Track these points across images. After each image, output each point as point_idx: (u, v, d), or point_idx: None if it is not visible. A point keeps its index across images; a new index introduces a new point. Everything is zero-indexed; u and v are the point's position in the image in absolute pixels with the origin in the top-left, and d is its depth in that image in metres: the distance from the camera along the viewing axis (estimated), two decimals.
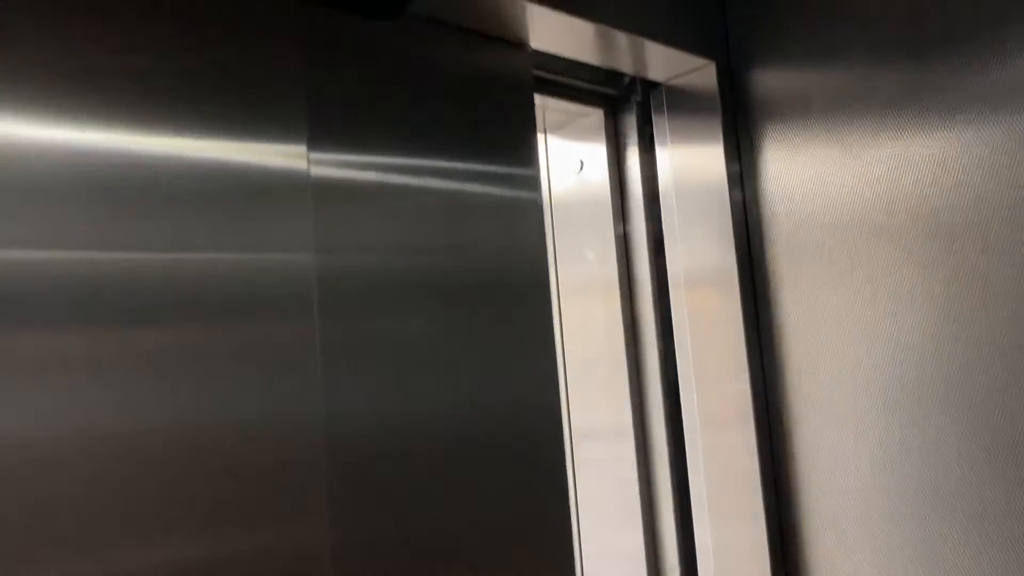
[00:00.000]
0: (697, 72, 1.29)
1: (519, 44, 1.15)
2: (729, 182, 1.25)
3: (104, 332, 0.72)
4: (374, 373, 0.92)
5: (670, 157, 1.32)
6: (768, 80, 1.25)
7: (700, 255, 1.29)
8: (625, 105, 1.34)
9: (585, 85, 1.30)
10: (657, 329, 1.31)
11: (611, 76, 1.30)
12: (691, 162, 1.30)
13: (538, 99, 1.21)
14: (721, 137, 1.26)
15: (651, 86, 1.34)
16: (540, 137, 1.33)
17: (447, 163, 1.04)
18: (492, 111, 1.10)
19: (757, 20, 1.27)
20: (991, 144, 1.02)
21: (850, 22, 1.15)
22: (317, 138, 0.90)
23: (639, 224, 1.33)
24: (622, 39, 1.17)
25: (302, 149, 0.86)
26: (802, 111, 1.21)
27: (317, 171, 0.90)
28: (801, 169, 1.21)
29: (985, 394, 1.02)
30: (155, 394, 0.74)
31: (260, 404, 0.80)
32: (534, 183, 1.12)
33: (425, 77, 1.04)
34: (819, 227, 1.18)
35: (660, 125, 1.34)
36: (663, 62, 1.27)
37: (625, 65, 1.27)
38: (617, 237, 1.33)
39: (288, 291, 0.84)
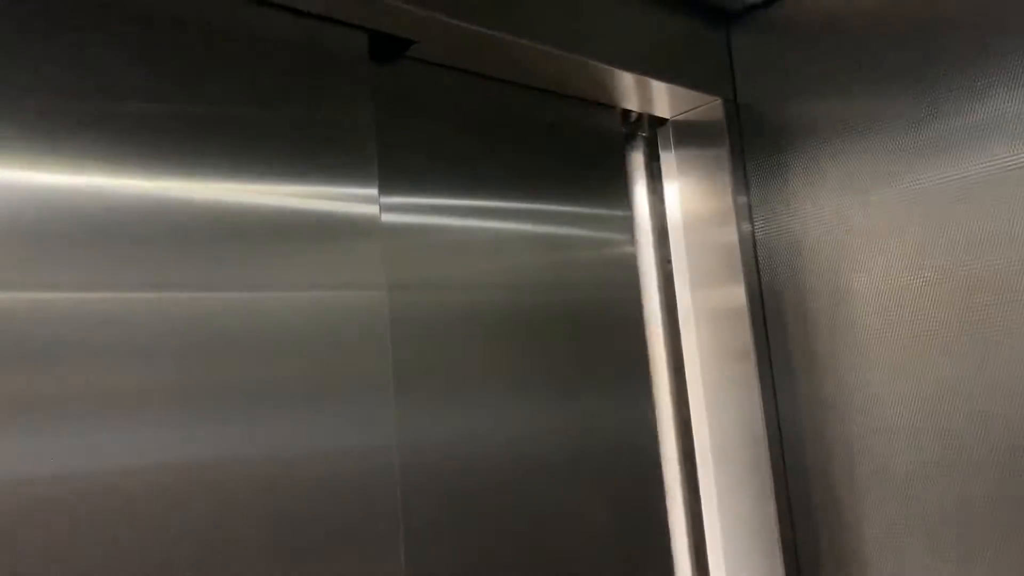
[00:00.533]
0: (704, 108, 1.30)
1: (611, 106, 1.25)
2: (737, 215, 1.26)
3: (189, 367, 0.76)
4: (452, 406, 0.98)
5: (678, 191, 1.33)
6: (774, 113, 1.25)
7: (709, 287, 1.28)
8: (632, 142, 1.35)
9: None
10: (668, 363, 1.30)
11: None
12: (699, 196, 1.30)
13: None
14: (729, 170, 1.27)
15: (658, 122, 1.35)
16: None
17: (537, 205, 1.13)
18: (582, 162, 1.20)
19: (763, 56, 1.27)
20: (1000, 171, 1.01)
21: (856, 55, 1.15)
22: (388, 183, 0.97)
23: (648, 258, 1.33)
24: (628, 79, 1.18)
25: (374, 193, 0.92)
26: (809, 144, 1.21)
27: (388, 214, 0.97)
28: (810, 200, 1.20)
29: (1012, 441, 1.00)
30: (238, 427, 0.77)
31: (338, 436, 0.83)
32: (627, 224, 1.24)
33: (507, 129, 1.13)
34: (830, 258, 1.18)
35: (668, 160, 1.34)
36: (670, 100, 1.28)
37: (632, 103, 1.28)
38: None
39: (363, 327, 0.88)
